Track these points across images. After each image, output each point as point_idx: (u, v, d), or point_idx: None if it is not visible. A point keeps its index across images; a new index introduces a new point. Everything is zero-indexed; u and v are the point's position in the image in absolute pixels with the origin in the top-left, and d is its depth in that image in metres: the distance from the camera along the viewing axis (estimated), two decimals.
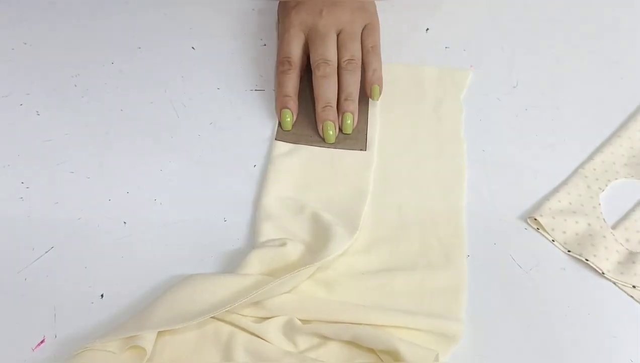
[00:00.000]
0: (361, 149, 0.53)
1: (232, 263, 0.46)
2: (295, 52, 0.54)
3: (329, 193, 0.51)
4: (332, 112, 0.52)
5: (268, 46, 0.62)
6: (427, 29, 0.63)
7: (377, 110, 0.56)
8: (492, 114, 0.57)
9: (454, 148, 0.54)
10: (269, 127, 0.55)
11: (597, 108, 0.58)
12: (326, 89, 0.52)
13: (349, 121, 0.52)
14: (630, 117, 0.57)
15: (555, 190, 0.51)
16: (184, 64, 0.60)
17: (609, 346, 0.44)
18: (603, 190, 0.52)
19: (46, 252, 0.47)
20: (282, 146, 0.53)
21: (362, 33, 0.55)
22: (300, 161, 0.52)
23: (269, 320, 0.43)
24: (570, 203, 0.50)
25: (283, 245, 0.46)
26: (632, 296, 0.46)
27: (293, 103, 0.52)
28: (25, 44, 0.61)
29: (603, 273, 0.47)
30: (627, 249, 0.48)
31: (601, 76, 0.60)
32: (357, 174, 0.52)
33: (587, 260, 0.47)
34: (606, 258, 0.47)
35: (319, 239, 0.47)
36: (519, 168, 0.53)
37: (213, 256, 0.47)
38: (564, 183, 0.52)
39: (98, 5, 0.65)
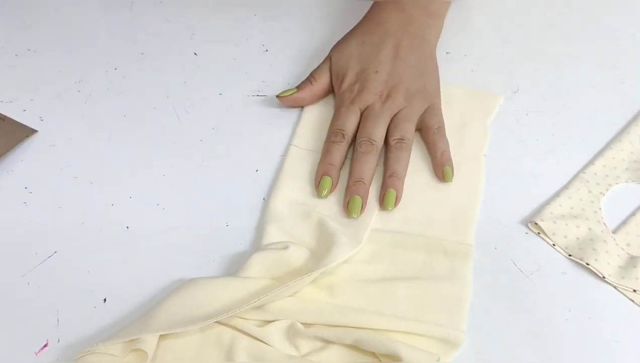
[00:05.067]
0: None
1: (234, 267, 0.47)
2: (350, 127, 0.53)
3: (338, 201, 0.51)
4: (363, 189, 0.50)
5: (270, 51, 0.62)
6: None
7: None
8: (493, 119, 0.57)
9: (473, 169, 0.52)
10: (271, 132, 0.55)
11: (598, 113, 0.58)
12: (363, 165, 0.50)
13: (390, 198, 0.49)
14: (631, 122, 0.57)
15: (556, 194, 0.52)
16: (187, 70, 0.60)
17: (610, 350, 0.44)
18: (604, 194, 0.52)
19: (49, 257, 0.47)
20: (297, 152, 0.54)
21: (425, 115, 0.54)
22: (314, 168, 0.53)
23: (271, 323, 0.43)
24: (571, 208, 0.51)
25: (285, 248, 0.46)
26: (632, 301, 0.46)
27: (335, 173, 0.51)
28: (28, 50, 0.61)
29: (604, 278, 0.47)
30: (628, 253, 0.48)
31: (602, 81, 0.61)
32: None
33: (588, 264, 0.47)
34: (607, 262, 0.47)
35: (323, 245, 0.47)
36: (519, 173, 0.53)
37: (215, 260, 0.48)
38: (565, 187, 0.52)
39: (101, 11, 0.65)
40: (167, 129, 0.55)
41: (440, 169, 0.52)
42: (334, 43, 0.59)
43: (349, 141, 0.53)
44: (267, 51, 0.62)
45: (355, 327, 0.42)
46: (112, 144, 0.54)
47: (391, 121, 0.53)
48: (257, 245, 0.48)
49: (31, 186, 0.51)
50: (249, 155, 0.54)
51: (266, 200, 0.51)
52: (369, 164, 0.51)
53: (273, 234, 0.48)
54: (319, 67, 0.58)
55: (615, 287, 0.47)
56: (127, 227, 0.49)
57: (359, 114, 0.53)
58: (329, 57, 0.58)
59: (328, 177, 0.50)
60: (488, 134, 0.55)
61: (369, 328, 0.42)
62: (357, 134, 0.53)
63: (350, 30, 0.59)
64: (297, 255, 0.46)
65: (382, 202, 0.50)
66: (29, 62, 0.60)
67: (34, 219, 0.49)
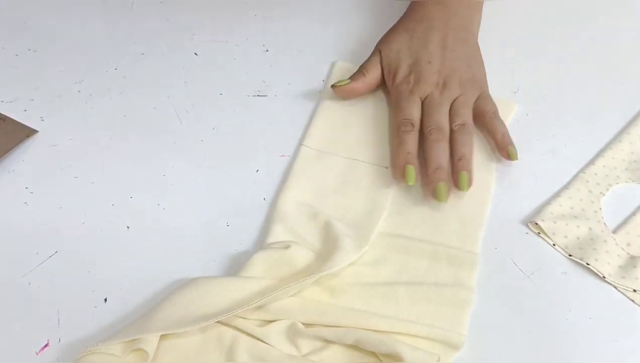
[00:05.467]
0: (386, 167, 0.53)
1: (235, 267, 0.47)
2: (416, 115, 0.54)
3: (346, 204, 0.51)
4: (444, 174, 0.51)
5: (270, 51, 0.62)
6: None
7: None
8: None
9: (482, 177, 0.52)
10: (271, 132, 0.55)
11: (598, 113, 0.58)
12: (438, 152, 0.52)
13: (463, 179, 0.50)
14: (631, 122, 0.57)
15: (557, 195, 0.52)
16: (187, 70, 0.60)
17: (610, 350, 0.44)
18: (604, 195, 0.52)
19: (50, 257, 0.47)
20: (308, 152, 0.54)
21: (478, 101, 0.56)
22: (324, 169, 0.53)
23: (272, 323, 0.43)
24: (571, 208, 0.51)
25: (287, 247, 0.46)
26: (633, 300, 0.46)
27: (415, 161, 0.52)
28: (29, 50, 0.61)
29: (604, 277, 0.47)
30: (628, 253, 0.48)
31: (602, 81, 0.61)
32: (378, 190, 0.51)
33: (588, 264, 0.47)
34: (607, 262, 0.47)
35: (327, 247, 0.47)
36: (520, 173, 0.53)
37: (216, 260, 0.48)
38: (565, 187, 0.52)
39: (101, 11, 0.65)
40: (168, 129, 0.56)
41: (505, 150, 0.53)
42: (333, 43, 0.59)
43: (418, 129, 0.54)
44: (267, 51, 0.62)
45: (355, 327, 0.42)
46: (113, 144, 0.54)
47: (450, 108, 0.55)
48: (259, 244, 0.48)
49: (32, 186, 0.51)
50: (249, 155, 0.54)
51: (274, 199, 0.51)
52: (443, 150, 0.52)
53: (278, 233, 0.48)
54: (369, 60, 0.58)
55: (615, 287, 0.47)
56: (128, 227, 0.49)
57: (420, 103, 0.55)
58: (377, 51, 0.59)
59: (411, 165, 0.51)
60: None
61: (369, 329, 0.42)
62: (424, 124, 0.54)
63: (394, 26, 0.60)
64: (299, 255, 0.46)
65: (457, 184, 0.51)
66: (29, 62, 0.60)
67: (34, 219, 0.49)
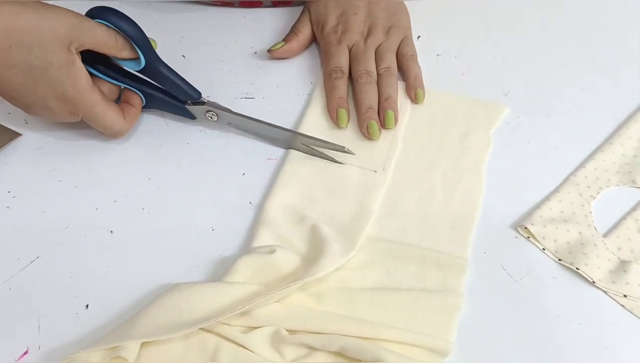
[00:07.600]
0: (375, 171, 0.52)
1: (220, 272, 0.46)
2: (345, 63, 0.58)
3: (334, 208, 0.50)
4: (375, 114, 0.55)
5: (258, 53, 0.61)
6: (419, 37, 0.63)
7: (400, 132, 0.55)
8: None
9: (472, 181, 0.52)
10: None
11: (589, 116, 0.58)
12: (369, 93, 0.56)
13: (390, 117, 0.55)
14: (622, 125, 0.56)
15: (547, 198, 0.51)
16: None
17: (600, 355, 0.43)
18: (594, 198, 0.51)
19: (32, 262, 0.46)
20: (297, 155, 0.53)
21: (399, 45, 0.60)
22: (312, 172, 0.52)
23: (256, 330, 0.43)
24: (561, 211, 0.50)
25: (272, 252, 0.45)
26: (623, 305, 0.45)
27: (346, 105, 0.56)
28: None
29: (594, 282, 0.46)
30: (618, 258, 0.48)
31: (593, 84, 0.60)
32: (366, 194, 0.51)
33: (578, 268, 0.47)
34: (597, 266, 0.47)
35: (313, 252, 0.46)
36: (510, 176, 0.53)
37: (201, 265, 0.47)
38: (556, 191, 0.52)
39: None
40: (154, 132, 0.55)
41: (413, 91, 0.58)
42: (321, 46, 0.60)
43: (347, 75, 0.58)
44: (255, 53, 0.62)
45: (341, 334, 0.42)
46: (98, 147, 0.54)
47: (375, 53, 0.59)
48: (245, 248, 0.48)
49: (14, 190, 0.50)
50: (235, 159, 0.53)
51: (260, 203, 0.50)
52: (373, 92, 0.57)
53: (264, 237, 0.47)
54: (299, 20, 0.63)
55: (605, 292, 0.46)
56: (112, 232, 0.48)
57: (348, 51, 0.59)
58: (306, 10, 0.63)
59: (343, 109, 0.56)
60: (490, 146, 0.55)
61: (356, 336, 0.42)
62: (353, 69, 0.58)
63: None
64: (285, 260, 0.46)
65: (384, 123, 0.55)
66: None
67: (17, 223, 0.49)
